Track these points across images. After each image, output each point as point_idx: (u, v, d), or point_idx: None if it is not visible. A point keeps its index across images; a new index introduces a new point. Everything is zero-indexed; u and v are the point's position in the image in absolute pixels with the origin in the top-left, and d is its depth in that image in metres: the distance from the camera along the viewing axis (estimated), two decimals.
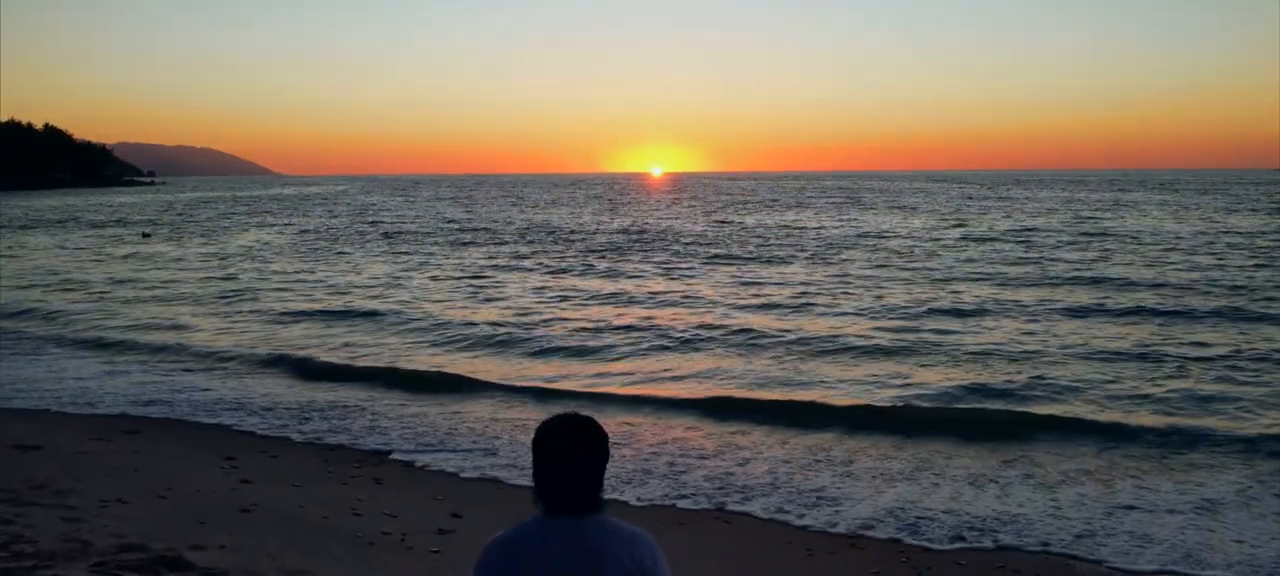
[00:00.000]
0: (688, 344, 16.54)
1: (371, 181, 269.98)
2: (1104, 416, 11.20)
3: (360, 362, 15.36)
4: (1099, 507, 8.24)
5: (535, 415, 11.30)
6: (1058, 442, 10.26)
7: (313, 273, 29.38)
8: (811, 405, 12.01)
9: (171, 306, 22.36)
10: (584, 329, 18.20)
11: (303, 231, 49.77)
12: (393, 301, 22.47)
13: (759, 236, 42.08)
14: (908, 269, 27.60)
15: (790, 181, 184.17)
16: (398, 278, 27.77)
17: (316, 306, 21.78)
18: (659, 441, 10.60)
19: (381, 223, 56.72)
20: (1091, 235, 38.98)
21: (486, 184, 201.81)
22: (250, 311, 21.33)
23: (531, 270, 29.27)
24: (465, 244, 40.22)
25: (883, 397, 12.42)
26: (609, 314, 20.23)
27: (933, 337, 16.46)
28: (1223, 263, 27.91)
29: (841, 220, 53.05)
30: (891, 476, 9.24)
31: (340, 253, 36.72)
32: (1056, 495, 8.57)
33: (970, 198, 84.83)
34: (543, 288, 24.87)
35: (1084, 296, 21.26)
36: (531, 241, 40.94)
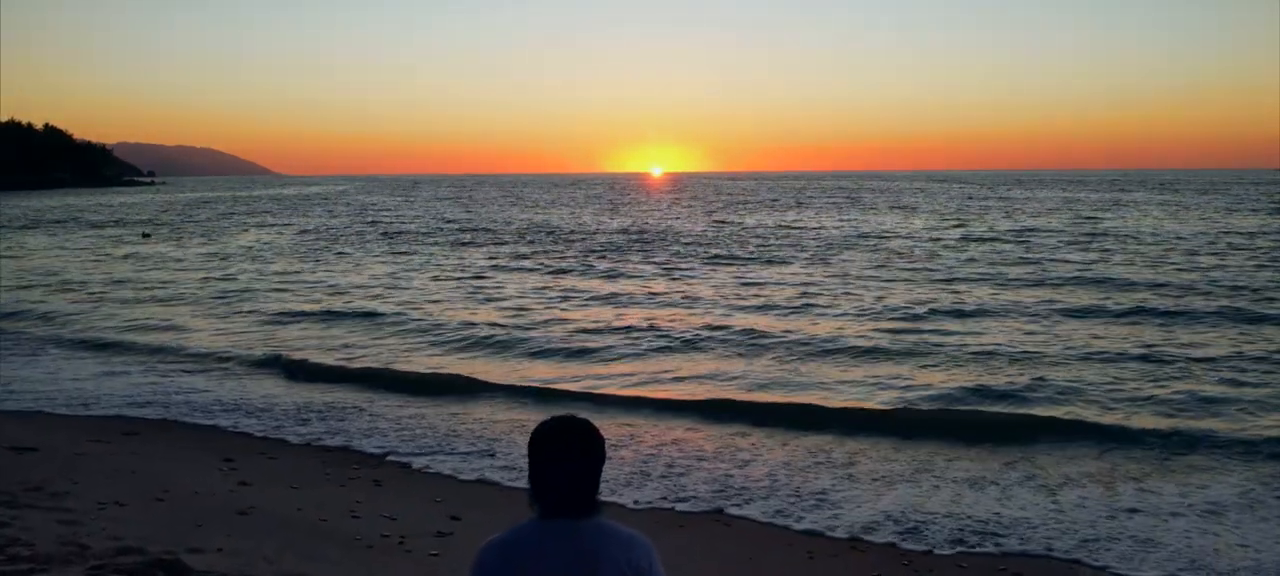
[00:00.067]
0: (688, 345, 16.50)
1: (371, 181, 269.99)
2: (1105, 418, 11.16)
3: (359, 363, 15.32)
4: (1101, 511, 8.20)
5: (534, 416, 11.24)
6: (1059, 445, 10.21)
7: (312, 273, 29.35)
8: (811, 407, 11.97)
9: (171, 307, 22.32)
10: (584, 330, 18.16)
11: (303, 231, 49.74)
12: (392, 302, 22.44)
13: (759, 236, 42.05)
14: (908, 269, 27.57)
15: (790, 181, 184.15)
16: (397, 278, 27.73)
17: (316, 307, 21.74)
18: (658, 443, 10.56)
19: (381, 223, 56.70)
20: (1092, 235, 38.95)
21: (486, 184, 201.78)
22: (249, 312, 21.29)
23: (531, 270, 29.23)
24: (465, 244, 40.19)
25: (883, 399, 12.38)
26: (609, 315, 20.19)
27: (933, 339, 16.42)
28: (1224, 263, 27.88)
29: (841, 220, 53.02)
30: (892, 479, 9.20)
31: (340, 253, 36.68)
32: (1058, 498, 8.53)
33: (970, 197, 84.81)
34: (542, 288, 24.83)
35: (1085, 297, 21.23)
36: (531, 241, 40.91)
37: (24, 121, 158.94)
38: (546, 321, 19.31)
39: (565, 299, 22.78)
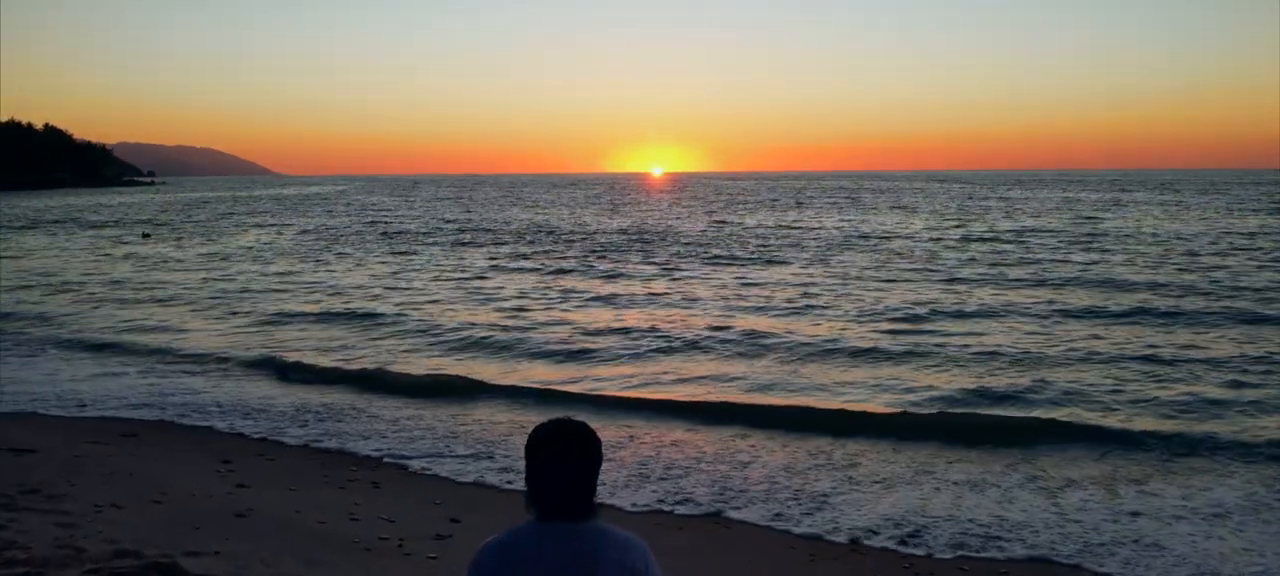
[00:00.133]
0: (687, 346, 16.47)
1: (371, 181, 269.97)
2: (1107, 421, 11.11)
3: (358, 364, 15.27)
4: (1104, 514, 8.15)
5: (533, 418, 11.19)
6: (1060, 448, 10.17)
7: (312, 273, 29.32)
8: (811, 409, 11.93)
9: (170, 308, 22.29)
10: (583, 331, 18.12)
11: (303, 232, 49.71)
12: (392, 303, 22.40)
13: (759, 237, 42.00)
14: (908, 270, 27.53)
15: (790, 181, 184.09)
16: (397, 278, 27.70)
17: (315, 308, 21.71)
18: (657, 445, 10.52)
19: (381, 223, 56.66)
20: (1093, 236, 38.91)
21: (486, 184, 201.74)
22: (248, 312, 21.25)
23: (531, 271, 29.19)
24: (465, 244, 40.16)
25: (883, 401, 12.34)
26: (608, 315, 20.15)
27: (933, 340, 16.38)
28: (1224, 263, 27.85)
29: (841, 220, 52.98)
30: (892, 481, 9.16)
31: (340, 253, 36.65)
32: (1059, 501, 8.49)
33: (971, 198, 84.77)
34: (542, 289, 24.79)
35: (1085, 298, 21.20)
36: (531, 242, 40.87)
37: (24, 121, 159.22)
38: (546, 322, 19.28)
39: (565, 299, 22.75)
